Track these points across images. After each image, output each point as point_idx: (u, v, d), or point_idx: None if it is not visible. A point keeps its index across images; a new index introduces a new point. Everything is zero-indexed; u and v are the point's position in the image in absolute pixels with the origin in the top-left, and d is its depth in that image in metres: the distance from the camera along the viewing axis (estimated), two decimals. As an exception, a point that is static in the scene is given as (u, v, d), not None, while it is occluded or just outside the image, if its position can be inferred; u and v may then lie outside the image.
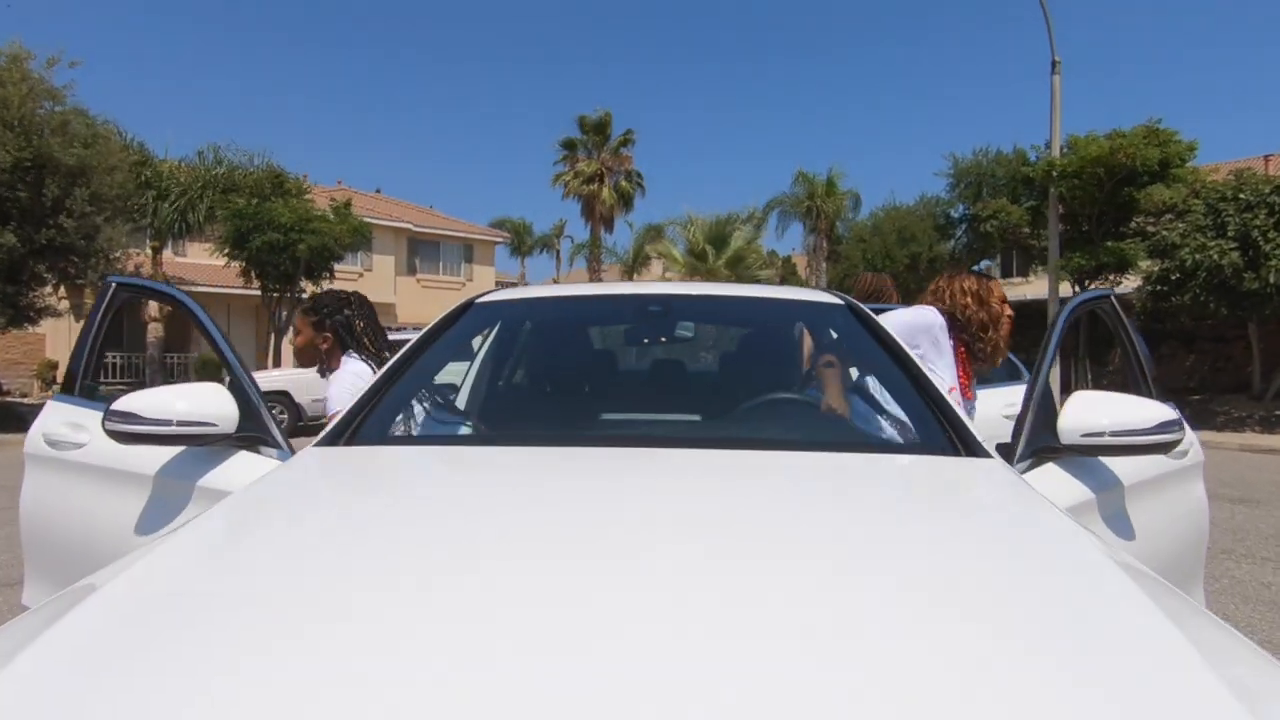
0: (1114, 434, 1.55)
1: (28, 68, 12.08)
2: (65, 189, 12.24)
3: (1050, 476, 1.66)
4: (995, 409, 3.06)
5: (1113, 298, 2.14)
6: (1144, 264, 14.89)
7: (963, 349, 2.73)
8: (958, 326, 2.71)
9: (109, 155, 13.11)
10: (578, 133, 30.67)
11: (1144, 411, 1.57)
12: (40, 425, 1.99)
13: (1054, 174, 14.98)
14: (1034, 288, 20.47)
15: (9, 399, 17.95)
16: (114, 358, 21.94)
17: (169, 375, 20.05)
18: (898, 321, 2.63)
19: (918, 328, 2.66)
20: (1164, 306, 14.04)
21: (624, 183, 30.74)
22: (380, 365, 2.53)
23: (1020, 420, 1.71)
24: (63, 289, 14.55)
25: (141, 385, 21.09)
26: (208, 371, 20.15)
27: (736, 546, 1.00)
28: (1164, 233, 13.72)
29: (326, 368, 2.68)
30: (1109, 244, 15.25)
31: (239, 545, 1.10)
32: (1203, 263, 12.50)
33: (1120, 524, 1.74)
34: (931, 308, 2.74)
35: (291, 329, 2.72)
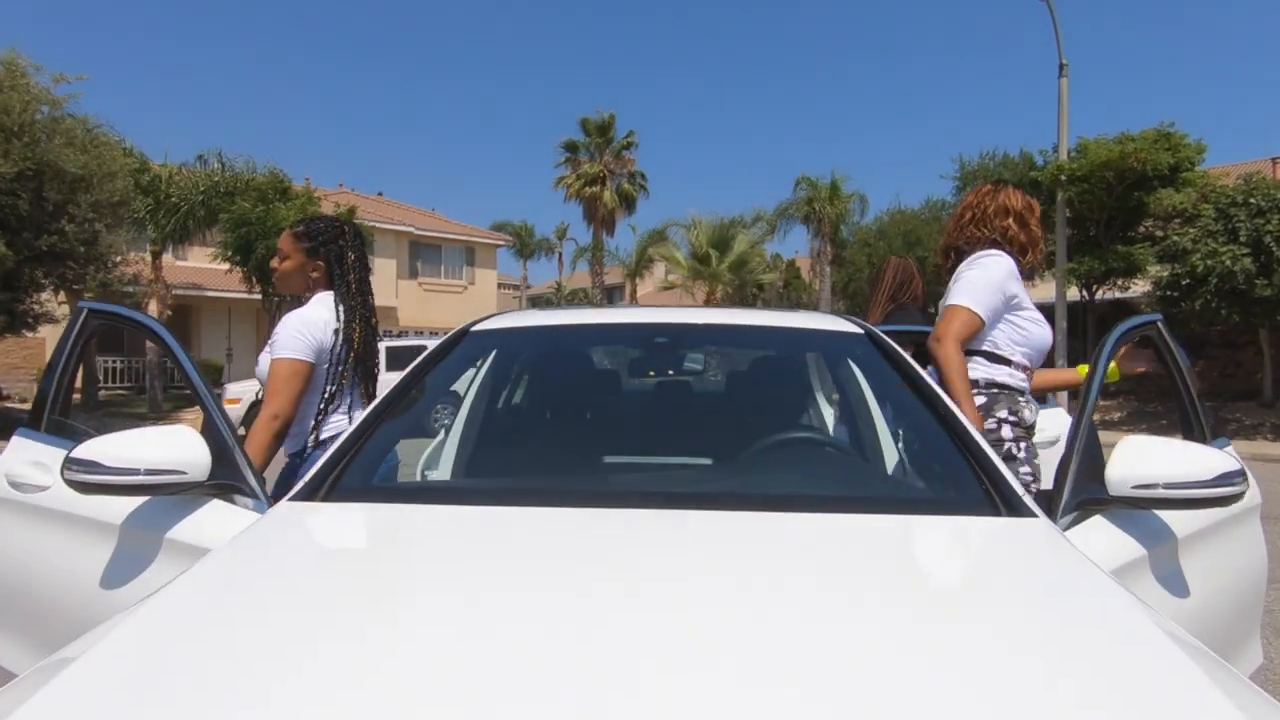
0: (1169, 486, 1.41)
1: (28, 76, 12.00)
2: (68, 196, 12.17)
3: (1098, 531, 1.52)
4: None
5: (1160, 323, 1.96)
6: (1153, 269, 14.73)
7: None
8: (1032, 261, 2.42)
9: (111, 161, 13.05)
10: (580, 135, 30.55)
11: (1202, 461, 1.42)
12: (2, 464, 1.85)
13: (1062, 178, 14.85)
14: (1040, 291, 20.30)
15: (9, 404, 17.86)
16: (114, 362, 21.86)
17: (169, 380, 19.94)
18: (990, 283, 2.30)
19: (1007, 280, 2.34)
20: (1174, 312, 13.87)
21: (626, 185, 30.58)
22: (349, 309, 2.35)
23: (1063, 467, 1.56)
24: (61, 294, 14.46)
25: (141, 390, 21.03)
26: (208, 376, 20.01)
27: (753, 663, 0.87)
28: (1174, 238, 13.56)
29: (304, 302, 2.43)
30: (1118, 248, 15.11)
31: (211, 629, 1.01)
32: (1214, 268, 12.33)
33: (1174, 581, 1.59)
34: (998, 252, 2.38)
35: (275, 255, 2.43)
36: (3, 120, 11.42)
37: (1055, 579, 1.15)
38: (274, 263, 2.45)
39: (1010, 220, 2.43)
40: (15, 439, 1.89)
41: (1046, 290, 18.16)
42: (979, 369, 2.30)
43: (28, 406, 17.46)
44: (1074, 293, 15.98)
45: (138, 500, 1.64)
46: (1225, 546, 1.76)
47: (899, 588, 1.12)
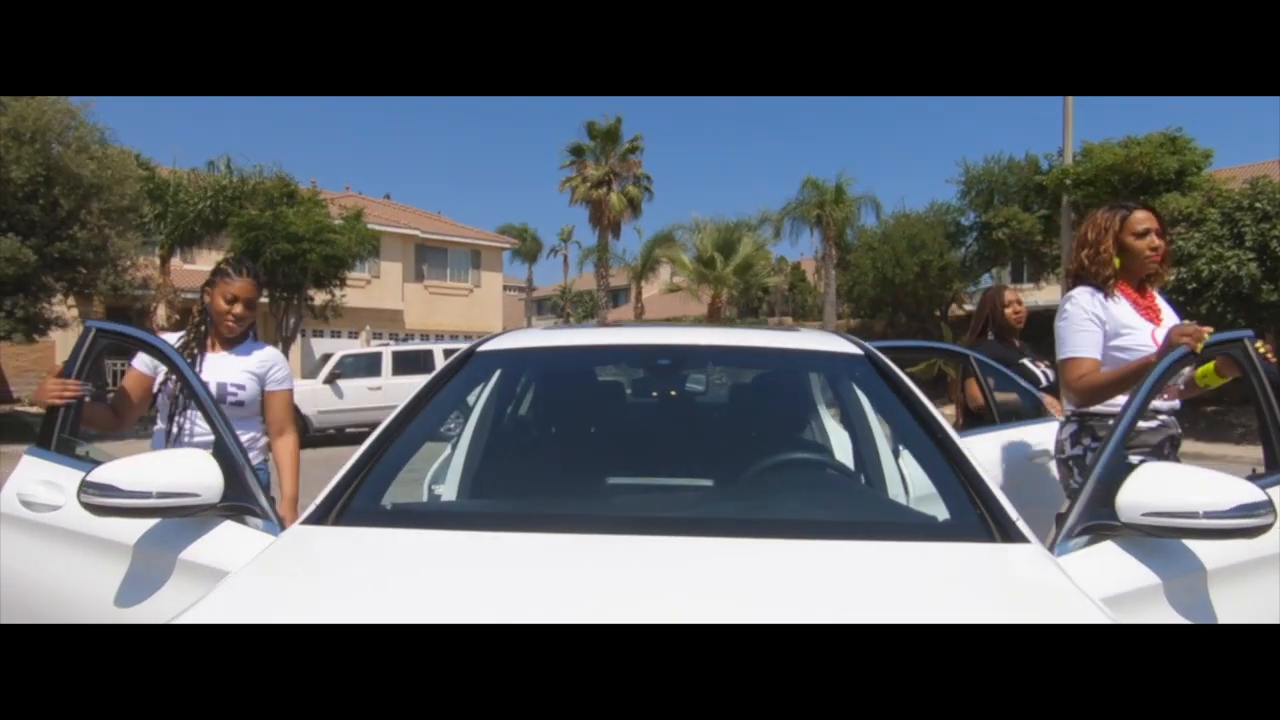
0: (1182, 515, 1.38)
1: None
2: (80, 202, 12.26)
3: (1105, 556, 1.50)
4: (1023, 451, 2.90)
5: (1248, 341, 1.88)
6: (1159, 273, 14.67)
7: (1131, 292, 2.51)
8: (1111, 279, 2.48)
9: (122, 168, 13.13)
10: (586, 139, 30.57)
11: (1222, 491, 1.39)
12: (14, 483, 1.86)
13: (1067, 181, 14.84)
14: (1045, 294, 20.27)
15: (18, 407, 17.95)
16: (122, 366, 21.99)
17: (176, 383, 20.04)
18: (1072, 326, 2.44)
19: (1091, 312, 2.44)
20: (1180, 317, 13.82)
21: (632, 188, 30.57)
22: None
23: (1078, 491, 1.56)
24: (71, 299, 14.54)
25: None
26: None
27: None
28: (1179, 242, 13.51)
29: (242, 340, 2.60)
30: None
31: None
32: (1220, 273, 12.30)
33: (1199, 613, 1.52)
34: (1074, 291, 2.52)
35: (240, 303, 2.53)
36: (17, 128, 11.50)
37: (1014, 581, 1.22)
38: (240, 310, 2.54)
39: (1084, 252, 2.55)
40: (26, 458, 1.91)
41: (1051, 293, 18.16)
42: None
43: (36, 410, 17.40)
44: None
45: (151, 520, 1.66)
46: (1274, 583, 1.63)
47: (859, 577, 1.24)
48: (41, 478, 1.84)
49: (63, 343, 19.66)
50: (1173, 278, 13.69)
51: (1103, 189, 14.70)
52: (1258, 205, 12.58)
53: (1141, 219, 2.52)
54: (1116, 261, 2.51)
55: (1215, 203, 13.57)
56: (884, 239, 20.95)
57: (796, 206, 24.62)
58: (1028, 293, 21.24)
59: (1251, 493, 1.39)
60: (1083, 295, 2.50)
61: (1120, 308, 2.46)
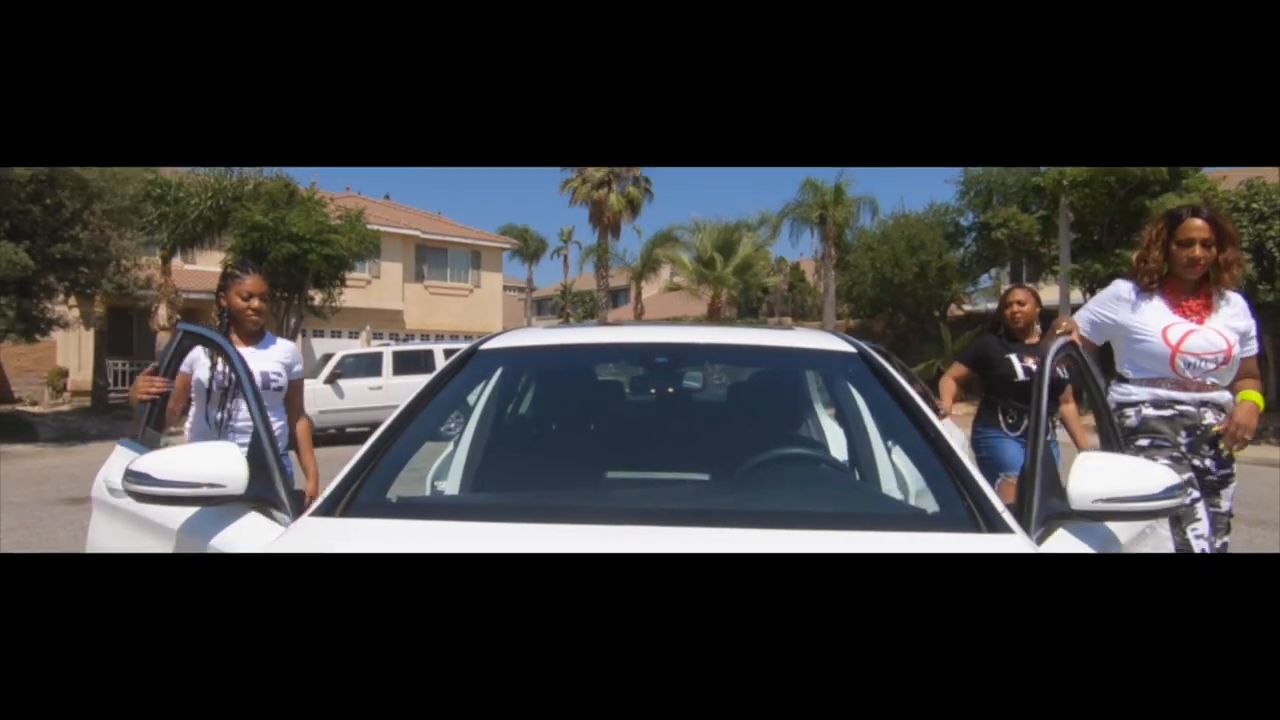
0: (1124, 500, 1.53)
1: None
2: (84, 203, 12.36)
3: (1064, 543, 1.62)
4: (960, 439, 3.06)
5: (1075, 344, 2.13)
6: (1156, 273, 14.77)
7: (1176, 293, 2.66)
8: (1151, 283, 2.67)
9: (127, 169, 13.21)
10: (586, 139, 30.53)
11: (1152, 476, 1.56)
12: (105, 471, 2.04)
13: (1064, 183, 14.95)
14: (1044, 295, 20.32)
15: (20, 407, 18.04)
16: (123, 365, 22.05)
17: (179, 383, 20.08)
18: (1089, 307, 2.77)
19: (1105, 303, 2.74)
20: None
21: (631, 189, 30.67)
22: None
23: (1028, 485, 1.67)
24: (73, 299, 14.62)
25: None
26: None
27: None
28: (1175, 243, 13.60)
29: (263, 335, 2.86)
30: (1121, 252, 15.19)
31: None
32: (1215, 273, 12.39)
33: None
34: (1119, 280, 2.79)
35: (255, 297, 2.77)
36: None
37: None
38: (258, 304, 2.77)
39: (1138, 253, 2.76)
40: (118, 447, 2.08)
41: (1050, 294, 18.22)
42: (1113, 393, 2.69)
43: (38, 410, 17.30)
44: (1077, 295, 16.07)
45: (191, 509, 1.78)
46: (1150, 548, 1.86)
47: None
48: (125, 466, 1.99)
49: (63, 343, 19.74)
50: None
51: (1099, 190, 14.83)
52: (1253, 206, 12.68)
53: (1190, 228, 2.61)
54: (1165, 267, 2.66)
55: (1211, 204, 13.65)
56: (883, 239, 21.02)
57: (796, 207, 24.69)
58: (1026, 293, 21.25)
59: (1172, 476, 1.56)
60: (1115, 285, 2.75)
61: (1150, 305, 2.64)
